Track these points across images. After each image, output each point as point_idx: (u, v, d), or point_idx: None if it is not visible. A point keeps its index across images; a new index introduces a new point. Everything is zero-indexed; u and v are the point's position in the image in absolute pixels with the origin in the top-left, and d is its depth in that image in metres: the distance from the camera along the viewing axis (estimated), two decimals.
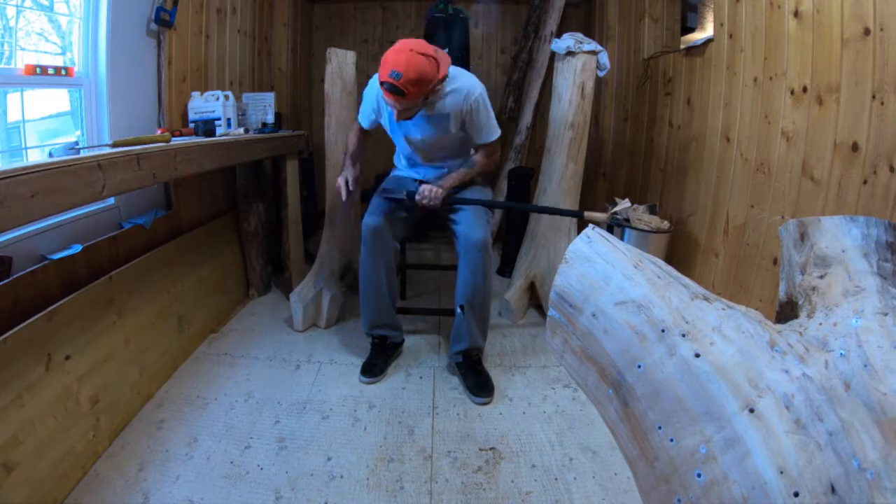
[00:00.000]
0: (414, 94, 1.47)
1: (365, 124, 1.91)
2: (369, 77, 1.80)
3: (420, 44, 1.50)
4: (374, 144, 3.51)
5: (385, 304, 1.82)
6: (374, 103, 1.81)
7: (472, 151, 1.90)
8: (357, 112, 1.97)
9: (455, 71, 1.68)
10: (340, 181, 1.83)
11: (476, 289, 1.70)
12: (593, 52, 2.08)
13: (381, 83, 1.48)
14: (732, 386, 0.60)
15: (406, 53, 1.45)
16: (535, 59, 3.25)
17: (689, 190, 2.21)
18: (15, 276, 1.25)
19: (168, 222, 1.94)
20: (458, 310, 1.74)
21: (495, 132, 1.77)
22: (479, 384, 1.73)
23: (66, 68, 1.56)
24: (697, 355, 0.64)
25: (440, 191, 1.69)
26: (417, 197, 1.69)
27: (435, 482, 1.35)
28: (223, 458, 1.40)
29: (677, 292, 0.71)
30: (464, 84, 1.67)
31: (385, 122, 1.83)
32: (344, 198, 1.83)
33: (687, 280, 0.75)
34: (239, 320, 2.27)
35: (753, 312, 0.69)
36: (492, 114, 1.75)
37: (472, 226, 1.69)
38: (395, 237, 1.80)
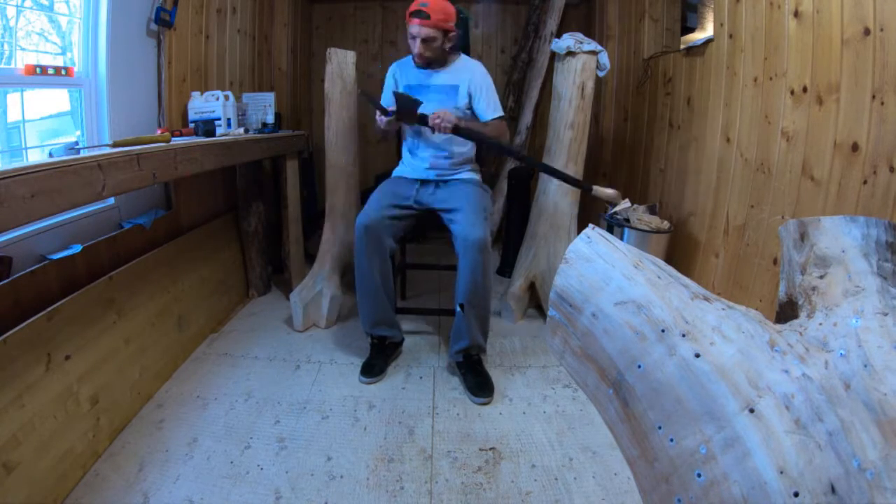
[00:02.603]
0: (437, 21, 1.73)
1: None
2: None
3: None
4: (374, 144, 3.55)
5: (383, 304, 1.82)
6: (391, 81, 1.98)
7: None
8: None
9: (465, 56, 1.96)
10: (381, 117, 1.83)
11: (476, 287, 1.69)
12: (593, 52, 2.08)
13: (409, 14, 1.75)
14: (732, 386, 0.60)
15: None
16: (535, 59, 3.25)
17: (689, 190, 2.21)
18: (15, 276, 1.25)
19: (168, 222, 1.94)
20: (458, 308, 1.74)
21: (500, 109, 1.91)
22: (479, 384, 1.73)
23: (66, 68, 1.56)
24: (697, 355, 0.64)
25: (454, 117, 1.75)
26: (430, 117, 1.75)
27: (435, 482, 1.35)
28: (223, 458, 1.40)
29: (677, 292, 0.71)
30: (470, 63, 1.94)
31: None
32: (385, 120, 1.80)
33: (687, 280, 0.75)
34: (239, 320, 2.27)
35: (753, 312, 0.69)
36: (495, 91, 1.92)
37: (471, 225, 1.69)
38: (392, 236, 1.79)
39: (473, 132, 1.82)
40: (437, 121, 1.73)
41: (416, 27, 1.74)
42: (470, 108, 1.91)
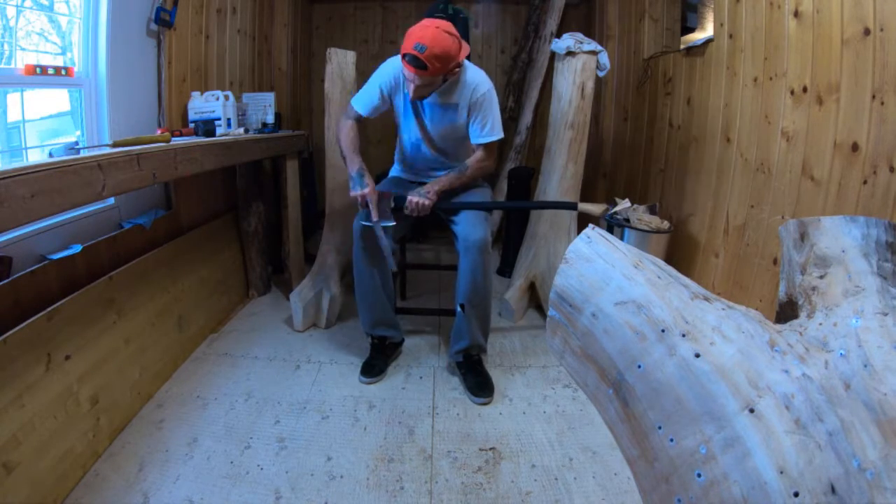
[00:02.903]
0: (435, 69, 1.50)
1: (364, 110, 1.78)
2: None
3: (445, 24, 1.54)
4: (375, 144, 3.55)
5: (382, 304, 1.82)
6: (390, 82, 1.75)
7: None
8: (351, 101, 1.83)
9: (468, 64, 1.73)
10: (362, 196, 1.64)
11: (476, 287, 1.69)
12: (593, 52, 2.08)
13: (404, 55, 1.51)
14: (732, 386, 0.60)
15: (432, 29, 1.49)
16: (535, 59, 3.25)
17: (689, 190, 2.21)
18: (15, 276, 1.25)
19: (168, 222, 1.94)
20: (459, 308, 1.74)
21: (497, 132, 1.75)
22: (479, 384, 1.73)
23: (66, 68, 1.56)
24: (697, 355, 0.64)
25: (427, 203, 1.68)
26: (406, 211, 1.70)
27: (435, 482, 1.35)
28: (223, 458, 1.40)
29: (677, 292, 0.71)
30: (474, 77, 1.72)
31: (399, 102, 1.79)
32: (374, 217, 1.63)
33: (687, 280, 0.75)
34: (239, 320, 2.27)
35: (753, 312, 0.69)
36: (497, 114, 1.75)
37: (472, 225, 1.69)
38: (392, 236, 1.79)
39: (454, 186, 1.77)
40: (415, 214, 1.68)
41: (410, 74, 1.53)
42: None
